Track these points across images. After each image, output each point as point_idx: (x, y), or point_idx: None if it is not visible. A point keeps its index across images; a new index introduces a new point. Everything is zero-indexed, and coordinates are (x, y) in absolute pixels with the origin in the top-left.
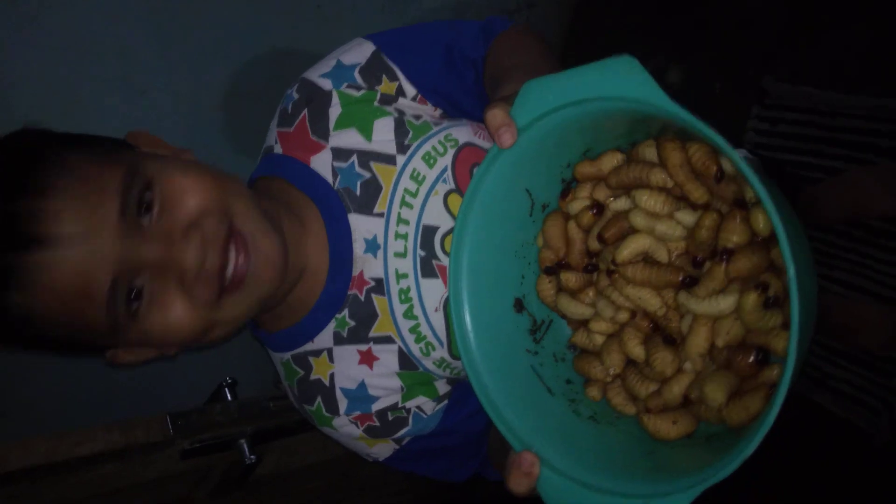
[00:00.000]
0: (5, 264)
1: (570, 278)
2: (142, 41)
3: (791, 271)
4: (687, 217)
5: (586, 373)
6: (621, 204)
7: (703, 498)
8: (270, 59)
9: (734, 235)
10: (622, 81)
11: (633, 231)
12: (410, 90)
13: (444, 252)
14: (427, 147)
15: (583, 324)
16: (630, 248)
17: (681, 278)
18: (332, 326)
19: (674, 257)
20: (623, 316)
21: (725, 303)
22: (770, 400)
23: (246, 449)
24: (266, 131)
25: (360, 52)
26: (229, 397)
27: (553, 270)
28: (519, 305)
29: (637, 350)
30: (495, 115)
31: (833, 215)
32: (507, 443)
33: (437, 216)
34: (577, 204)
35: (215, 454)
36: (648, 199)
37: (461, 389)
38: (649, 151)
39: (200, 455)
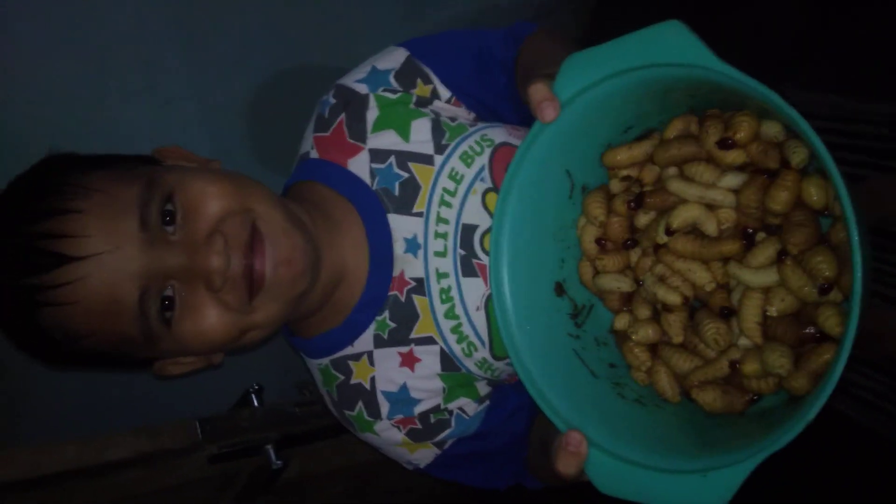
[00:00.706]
0: (33, 285)
1: (609, 263)
2: (167, 52)
3: (854, 230)
4: (734, 180)
5: (628, 360)
6: (670, 173)
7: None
8: (291, 70)
9: (778, 204)
10: (670, 46)
11: (679, 202)
12: (445, 93)
13: (484, 251)
14: (464, 147)
15: (624, 305)
16: (682, 217)
17: (737, 246)
18: (372, 329)
19: (723, 229)
20: (672, 296)
21: (773, 273)
22: (831, 366)
23: (272, 454)
24: (289, 139)
25: (393, 57)
26: (256, 403)
27: (601, 242)
28: (559, 289)
29: (679, 336)
30: (538, 88)
31: None
32: (549, 434)
33: (476, 215)
34: (616, 185)
35: (242, 459)
36: (698, 168)
37: (500, 391)
38: (693, 127)
39: (228, 460)
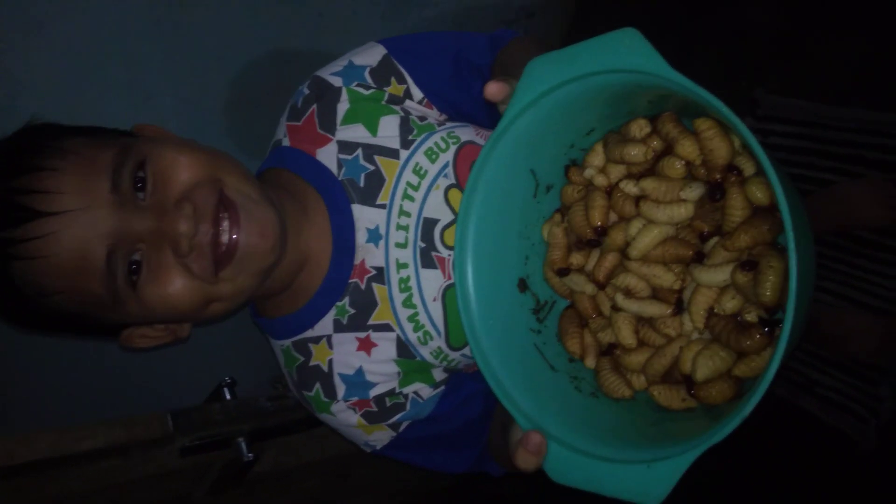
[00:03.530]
0: (6, 238)
1: (576, 258)
2: (146, 47)
3: (786, 219)
4: (693, 193)
5: (569, 349)
6: (629, 188)
7: (692, 501)
8: (273, 65)
9: (737, 210)
10: (626, 53)
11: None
12: (418, 94)
13: (444, 244)
14: (430, 143)
15: (593, 308)
16: (644, 244)
17: (692, 253)
18: (332, 314)
19: (679, 228)
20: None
21: (724, 273)
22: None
23: (244, 447)
24: (269, 135)
25: (371, 54)
26: (228, 396)
27: (566, 272)
28: (523, 285)
29: (630, 339)
30: (492, 82)
31: (823, 226)
32: (509, 424)
33: (438, 209)
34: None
35: (214, 452)
36: (658, 187)
37: (455, 378)
38: (634, 127)
39: (199, 452)
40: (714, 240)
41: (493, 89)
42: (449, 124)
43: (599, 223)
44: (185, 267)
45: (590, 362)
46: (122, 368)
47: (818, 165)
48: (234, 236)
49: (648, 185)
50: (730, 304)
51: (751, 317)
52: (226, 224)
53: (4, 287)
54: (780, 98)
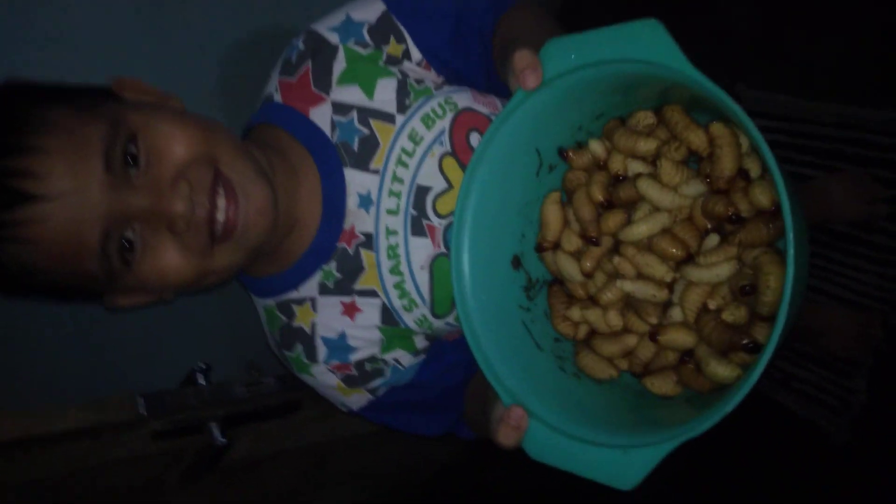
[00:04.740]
0: None
1: (569, 242)
2: (131, 35)
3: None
4: (693, 189)
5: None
6: (636, 167)
7: (667, 491)
8: (257, 47)
9: (742, 205)
10: (646, 44)
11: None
12: (416, 54)
13: (435, 213)
14: (426, 109)
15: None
16: (642, 231)
17: (683, 254)
18: (318, 277)
19: (677, 221)
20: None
21: (722, 270)
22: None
23: (217, 432)
24: (256, 89)
25: (370, 9)
26: (203, 381)
27: (543, 248)
28: (517, 262)
29: (616, 321)
30: (523, 55)
31: None
32: (490, 400)
33: (431, 177)
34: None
35: (187, 436)
36: (668, 170)
37: (438, 346)
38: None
39: (172, 437)
40: (713, 237)
41: (524, 61)
42: (446, 88)
43: (602, 198)
44: (181, 243)
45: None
46: (96, 351)
47: (797, 160)
48: (232, 214)
49: (664, 164)
50: (722, 301)
51: (730, 317)
52: (221, 201)
53: None
54: (761, 93)
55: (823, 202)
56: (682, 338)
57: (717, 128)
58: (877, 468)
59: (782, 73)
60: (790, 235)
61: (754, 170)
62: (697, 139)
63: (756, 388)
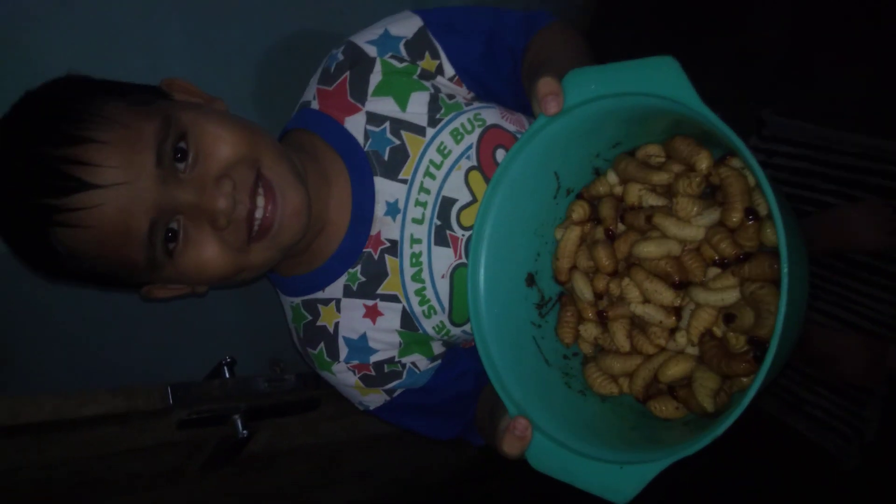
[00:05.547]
0: (52, 205)
1: (583, 261)
2: (170, 34)
3: (784, 262)
4: (707, 219)
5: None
6: (650, 199)
7: None
8: (294, 55)
9: (747, 241)
10: (662, 80)
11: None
12: (449, 70)
13: (459, 224)
14: (456, 123)
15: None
16: (649, 250)
17: (677, 279)
18: (343, 279)
19: (686, 250)
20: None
21: (728, 295)
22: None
23: (239, 424)
24: (291, 102)
25: (407, 25)
26: (227, 375)
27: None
28: (531, 280)
29: (624, 343)
30: (547, 82)
31: (819, 247)
32: (497, 410)
33: (457, 190)
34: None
35: (210, 427)
36: (685, 205)
37: (452, 353)
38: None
39: (196, 426)
40: (715, 270)
41: (547, 87)
42: (476, 104)
43: (610, 269)
44: (221, 238)
45: (585, 348)
46: (128, 343)
47: (819, 188)
48: (270, 215)
49: (681, 201)
50: (724, 330)
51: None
52: (261, 201)
53: (38, 247)
54: (786, 120)
55: (843, 230)
56: (680, 369)
57: (725, 170)
58: (885, 495)
59: (809, 99)
60: (785, 281)
61: (762, 207)
62: (705, 161)
63: (767, 411)
